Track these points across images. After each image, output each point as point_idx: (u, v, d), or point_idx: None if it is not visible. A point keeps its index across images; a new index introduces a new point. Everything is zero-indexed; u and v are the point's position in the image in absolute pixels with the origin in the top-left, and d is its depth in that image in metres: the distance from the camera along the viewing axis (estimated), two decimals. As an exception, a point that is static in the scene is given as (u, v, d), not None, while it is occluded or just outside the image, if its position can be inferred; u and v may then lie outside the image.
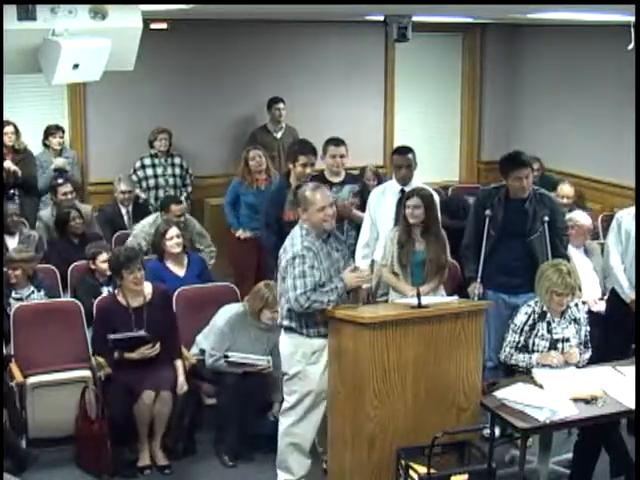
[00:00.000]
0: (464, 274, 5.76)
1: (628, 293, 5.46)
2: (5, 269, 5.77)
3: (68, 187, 7.01)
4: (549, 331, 4.88)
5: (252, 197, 7.00)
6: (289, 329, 4.61)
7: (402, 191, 5.85)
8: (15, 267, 5.71)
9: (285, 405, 4.72)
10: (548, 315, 4.90)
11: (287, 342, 4.66)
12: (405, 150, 6.06)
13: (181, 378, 5.21)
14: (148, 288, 5.36)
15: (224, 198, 7.25)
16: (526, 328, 4.89)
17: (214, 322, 5.44)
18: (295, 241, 4.56)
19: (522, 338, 4.89)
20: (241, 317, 5.39)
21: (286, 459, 4.73)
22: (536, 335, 4.88)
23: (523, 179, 5.36)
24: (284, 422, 4.71)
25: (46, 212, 7.07)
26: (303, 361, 4.58)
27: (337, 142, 6.12)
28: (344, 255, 4.76)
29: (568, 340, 4.89)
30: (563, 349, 4.87)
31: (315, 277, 4.46)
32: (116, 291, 5.39)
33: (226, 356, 5.22)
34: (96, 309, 5.48)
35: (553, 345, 4.86)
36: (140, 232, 6.64)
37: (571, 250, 5.90)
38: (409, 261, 5.44)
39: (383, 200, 5.87)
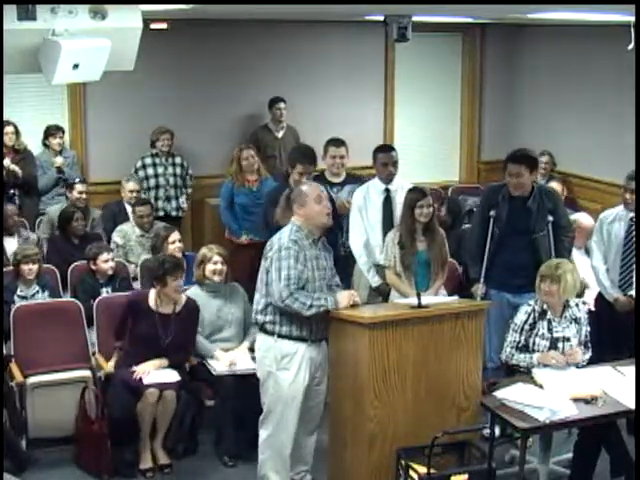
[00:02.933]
0: (468, 275, 5.77)
1: (611, 293, 5.52)
2: (6, 269, 5.79)
3: (84, 187, 7.03)
4: (549, 330, 4.88)
5: (245, 198, 7.00)
6: (262, 328, 4.54)
7: (387, 190, 5.88)
8: (33, 260, 5.73)
9: (262, 415, 4.63)
10: (549, 314, 4.90)
11: (259, 346, 4.60)
12: (389, 148, 6.11)
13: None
14: (182, 299, 5.37)
15: (220, 204, 7.22)
16: (526, 327, 4.89)
17: None
18: (282, 235, 4.50)
19: (522, 337, 4.88)
20: (197, 293, 5.53)
21: (266, 473, 4.63)
22: (536, 334, 4.87)
23: (512, 176, 5.35)
24: (262, 433, 4.62)
25: (54, 208, 7.04)
26: (273, 365, 4.50)
27: (338, 143, 6.12)
28: (331, 267, 4.68)
29: (569, 339, 4.89)
30: (563, 348, 4.86)
31: (298, 270, 4.38)
32: (151, 292, 5.33)
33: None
34: (128, 300, 5.40)
35: (553, 344, 4.86)
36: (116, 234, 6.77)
37: (573, 251, 5.92)
38: (412, 262, 5.46)
39: (368, 200, 5.88)
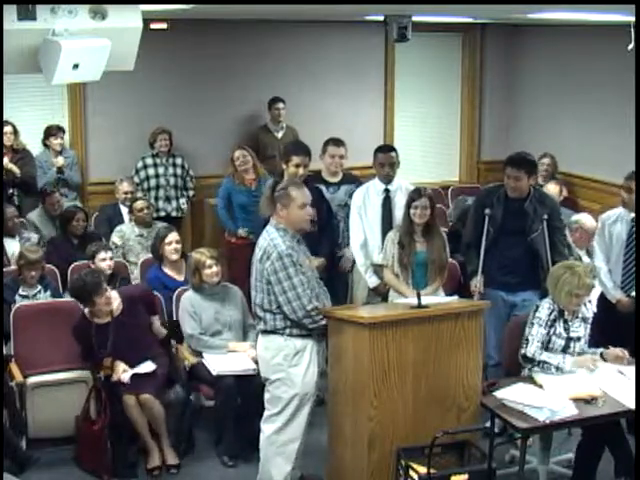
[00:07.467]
0: (465, 272, 5.76)
1: (613, 294, 5.52)
2: (6, 269, 5.79)
3: (55, 198, 7.01)
4: (566, 330, 4.84)
5: (243, 197, 6.98)
6: (269, 332, 4.52)
7: (386, 190, 5.88)
8: (33, 268, 5.71)
9: (268, 412, 4.60)
10: (566, 314, 4.86)
11: (266, 346, 4.57)
12: (388, 148, 6.10)
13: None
14: (116, 301, 5.29)
15: (217, 203, 7.20)
16: (549, 323, 4.85)
17: (180, 313, 5.57)
18: (276, 242, 4.46)
19: (546, 332, 4.82)
20: (193, 297, 5.53)
21: (269, 469, 4.60)
22: (554, 333, 4.83)
23: (511, 179, 5.37)
24: (267, 429, 4.59)
25: (34, 214, 7.05)
26: (285, 364, 4.49)
27: (337, 142, 6.13)
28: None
29: (579, 339, 4.86)
30: (574, 348, 4.84)
31: (308, 284, 4.45)
32: (86, 311, 5.28)
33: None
34: (72, 330, 5.30)
35: (567, 344, 4.84)
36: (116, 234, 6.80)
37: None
38: (410, 262, 5.45)
39: (368, 200, 5.88)
